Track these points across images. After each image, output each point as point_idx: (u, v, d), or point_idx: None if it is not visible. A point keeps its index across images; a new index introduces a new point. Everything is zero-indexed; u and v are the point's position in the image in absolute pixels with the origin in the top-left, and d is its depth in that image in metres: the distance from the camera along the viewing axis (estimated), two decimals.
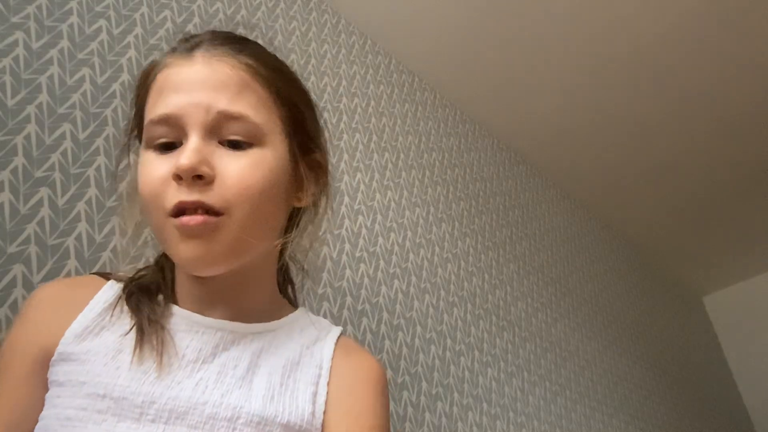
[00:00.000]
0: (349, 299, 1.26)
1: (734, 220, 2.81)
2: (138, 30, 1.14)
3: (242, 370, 0.55)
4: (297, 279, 0.73)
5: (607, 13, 1.80)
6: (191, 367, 0.53)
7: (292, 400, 0.54)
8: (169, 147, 0.55)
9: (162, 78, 0.56)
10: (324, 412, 0.56)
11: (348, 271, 1.30)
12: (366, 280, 1.33)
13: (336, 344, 0.62)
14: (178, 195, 0.52)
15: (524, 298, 1.86)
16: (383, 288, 1.36)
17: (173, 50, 0.59)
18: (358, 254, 1.35)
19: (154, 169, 0.54)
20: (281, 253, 0.65)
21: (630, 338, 2.38)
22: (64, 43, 1.00)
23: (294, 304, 0.69)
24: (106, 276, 0.61)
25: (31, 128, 0.90)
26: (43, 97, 0.93)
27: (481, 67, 1.93)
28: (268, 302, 0.64)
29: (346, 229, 1.36)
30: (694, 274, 3.19)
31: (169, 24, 1.20)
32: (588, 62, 1.95)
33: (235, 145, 0.55)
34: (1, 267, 0.80)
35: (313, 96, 0.67)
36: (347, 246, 1.33)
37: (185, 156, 0.52)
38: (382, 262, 1.40)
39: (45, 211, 0.87)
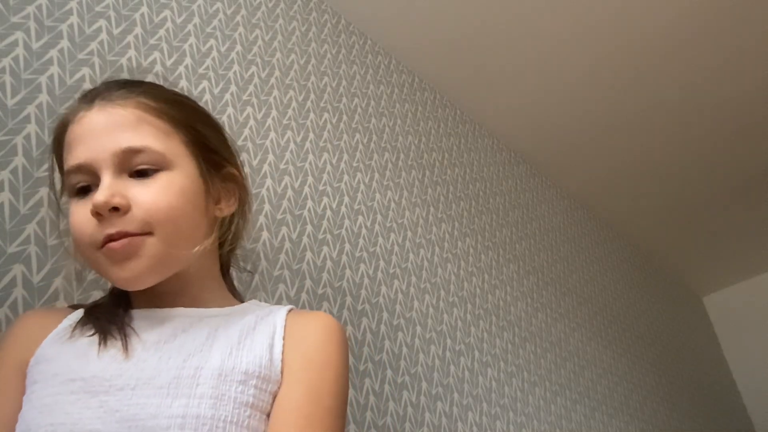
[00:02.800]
0: (349, 299, 1.26)
1: (734, 220, 2.81)
2: (138, 30, 1.14)
3: (201, 340, 0.60)
4: (243, 277, 0.79)
5: (608, 15, 1.80)
6: (154, 347, 0.58)
7: (249, 352, 0.59)
8: (87, 190, 0.61)
9: (70, 133, 0.62)
10: (281, 362, 0.60)
11: (348, 271, 1.30)
12: (366, 280, 1.33)
13: (289, 312, 0.67)
14: (102, 230, 0.58)
15: (524, 298, 1.86)
16: (383, 288, 1.36)
17: (76, 107, 0.64)
18: (358, 254, 1.35)
19: (78, 212, 0.60)
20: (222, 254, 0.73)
21: (630, 338, 2.38)
22: (64, 43, 1.00)
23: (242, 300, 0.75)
24: (77, 306, 0.68)
25: (31, 128, 0.90)
26: (43, 97, 0.93)
27: (481, 68, 1.93)
28: (217, 297, 0.69)
29: (346, 229, 1.36)
30: (694, 274, 3.19)
31: (169, 24, 1.20)
32: (588, 63, 1.95)
33: (144, 174, 0.61)
34: (1, 267, 0.80)
35: (213, 116, 0.72)
36: (347, 246, 1.33)
37: (99, 193, 0.58)
38: (382, 262, 1.40)
39: (45, 211, 0.87)
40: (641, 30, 1.86)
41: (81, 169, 0.60)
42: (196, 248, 0.63)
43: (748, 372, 3.10)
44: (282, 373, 0.59)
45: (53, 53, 0.98)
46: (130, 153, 0.60)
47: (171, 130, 0.63)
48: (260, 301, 0.75)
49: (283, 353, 0.60)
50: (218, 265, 0.72)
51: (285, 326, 0.63)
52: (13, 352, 0.61)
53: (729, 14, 1.84)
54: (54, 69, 0.97)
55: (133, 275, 0.59)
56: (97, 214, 0.58)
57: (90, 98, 0.63)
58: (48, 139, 0.91)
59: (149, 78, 0.72)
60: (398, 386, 1.25)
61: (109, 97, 0.62)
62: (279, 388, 0.58)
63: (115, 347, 0.57)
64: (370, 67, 1.73)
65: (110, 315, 0.62)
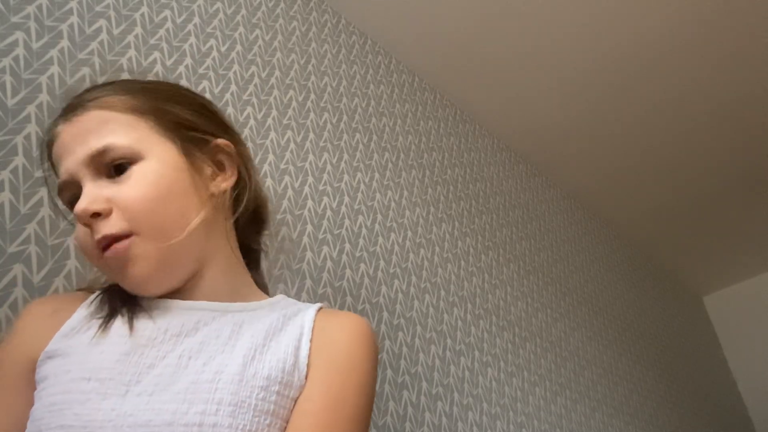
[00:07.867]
0: (349, 299, 1.26)
1: (734, 219, 2.81)
2: (138, 30, 1.14)
3: (224, 338, 0.57)
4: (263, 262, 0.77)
5: (607, 14, 1.80)
6: (174, 340, 0.56)
7: (274, 355, 0.56)
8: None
9: (53, 154, 0.63)
10: (307, 366, 0.57)
11: (348, 271, 1.30)
12: (366, 279, 1.33)
13: (318, 311, 0.64)
14: (93, 237, 0.58)
15: (524, 298, 1.86)
16: (383, 288, 1.36)
17: (54, 123, 0.64)
18: (358, 254, 1.35)
19: (77, 226, 0.60)
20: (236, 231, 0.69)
21: (630, 338, 2.38)
22: (64, 43, 1.00)
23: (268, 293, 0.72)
24: (91, 290, 0.65)
25: (32, 128, 0.90)
26: (43, 97, 0.93)
27: (481, 67, 1.93)
28: (242, 290, 0.66)
29: (346, 229, 1.36)
30: (694, 274, 3.19)
31: (169, 24, 1.21)
32: (588, 62, 1.95)
33: (121, 169, 0.60)
34: (2, 267, 0.80)
35: (191, 93, 0.69)
36: (347, 246, 1.34)
37: (78, 203, 0.57)
38: (382, 262, 1.40)
39: (45, 211, 0.87)
40: (641, 29, 1.86)
41: (67, 186, 0.61)
42: (189, 226, 0.60)
43: (749, 372, 3.10)
44: (306, 377, 0.56)
45: (53, 53, 0.98)
46: (98, 155, 0.59)
47: (135, 120, 0.62)
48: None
49: (309, 357, 0.58)
50: (238, 254, 0.68)
51: (313, 328, 0.61)
52: (22, 346, 0.58)
53: (729, 14, 1.84)
54: (54, 69, 0.97)
55: (141, 278, 0.58)
56: (84, 223, 0.58)
57: (64, 112, 0.63)
58: None
59: (149, 77, 0.71)
60: (398, 386, 1.25)
61: (74, 107, 0.62)
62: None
63: (133, 339, 0.55)
64: (370, 67, 1.73)
65: (129, 301, 0.60)
